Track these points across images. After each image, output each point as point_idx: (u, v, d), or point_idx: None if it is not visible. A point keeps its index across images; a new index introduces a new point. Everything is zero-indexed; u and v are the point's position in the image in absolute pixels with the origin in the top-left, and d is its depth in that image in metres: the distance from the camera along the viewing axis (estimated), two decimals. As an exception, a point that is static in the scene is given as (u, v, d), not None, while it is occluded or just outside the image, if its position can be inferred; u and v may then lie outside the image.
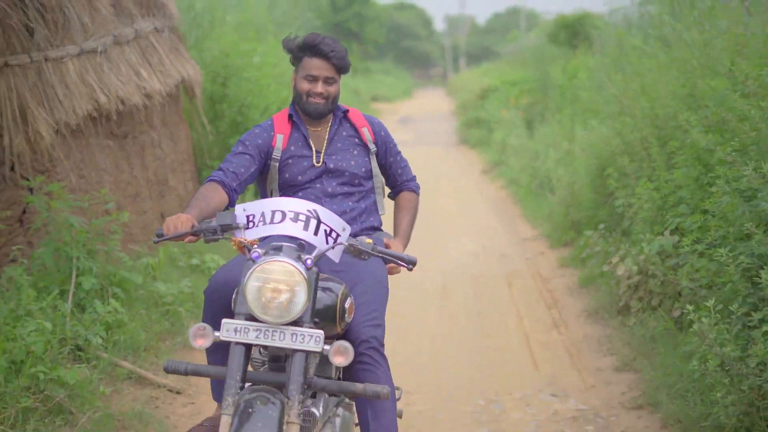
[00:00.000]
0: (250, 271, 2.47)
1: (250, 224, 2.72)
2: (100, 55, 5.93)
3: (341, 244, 2.70)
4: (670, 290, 4.87)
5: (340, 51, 3.15)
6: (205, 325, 2.48)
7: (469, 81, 25.91)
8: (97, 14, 6.03)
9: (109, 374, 4.22)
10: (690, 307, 3.57)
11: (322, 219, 2.72)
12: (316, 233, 2.70)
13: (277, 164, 3.17)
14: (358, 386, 2.54)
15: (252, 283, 2.46)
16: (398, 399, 3.21)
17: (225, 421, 2.38)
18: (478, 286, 6.77)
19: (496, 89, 17.79)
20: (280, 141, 3.18)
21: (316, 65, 3.11)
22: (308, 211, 2.73)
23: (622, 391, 4.44)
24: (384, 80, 35.59)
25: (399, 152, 3.41)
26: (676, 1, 7.39)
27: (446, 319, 5.97)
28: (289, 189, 3.19)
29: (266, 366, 2.73)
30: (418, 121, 22.62)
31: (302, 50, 3.14)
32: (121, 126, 6.26)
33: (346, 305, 2.76)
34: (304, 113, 3.19)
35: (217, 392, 3.01)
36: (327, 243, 2.71)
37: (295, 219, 2.70)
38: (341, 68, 3.17)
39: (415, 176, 3.47)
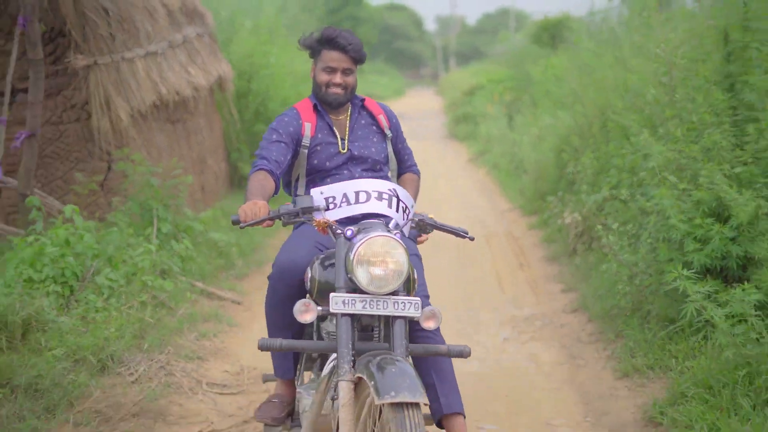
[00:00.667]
0: (354, 248, 2.66)
1: (330, 206, 3.02)
2: (160, 56, 7.53)
3: (411, 219, 3.01)
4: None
5: (357, 43, 3.36)
6: (308, 301, 2.69)
7: (458, 80, 27.56)
8: (156, 24, 7.63)
9: (188, 290, 5.82)
10: (599, 227, 5.20)
11: (401, 196, 3.06)
12: (397, 210, 3.02)
13: (306, 151, 3.35)
14: (442, 348, 2.82)
15: (359, 260, 2.64)
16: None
17: (346, 387, 2.57)
18: (463, 243, 8.39)
19: (482, 87, 19.45)
20: (308, 129, 3.35)
21: (334, 57, 3.33)
22: (389, 190, 3.06)
23: (564, 304, 6.07)
24: (377, 80, 37.19)
25: (405, 139, 3.68)
26: (645, 7, 8.99)
27: (439, 261, 7.56)
28: (316, 174, 3.37)
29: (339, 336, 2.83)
30: (411, 118, 24.22)
31: (320, 44, 3.35)
32: (174, 114, 7.86)
33: (415, 276, 2.97)
34: (325, 103, 3.40)
35: (282, 370, 3.27)
36: (403, 219, 3.01)
37: (380, 198, 3.01)
38: (358, 59, 3.39)
39: (416, 163, 3.75)
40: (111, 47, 6.85)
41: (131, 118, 6.96)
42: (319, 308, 2.67)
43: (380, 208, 3.02)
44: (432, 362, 3.07)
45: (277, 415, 3.20)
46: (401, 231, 2.89)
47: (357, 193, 3.05)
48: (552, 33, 18.57)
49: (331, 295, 2.66)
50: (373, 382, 2.46)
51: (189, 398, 4.28)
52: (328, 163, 3.35)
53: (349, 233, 2.74)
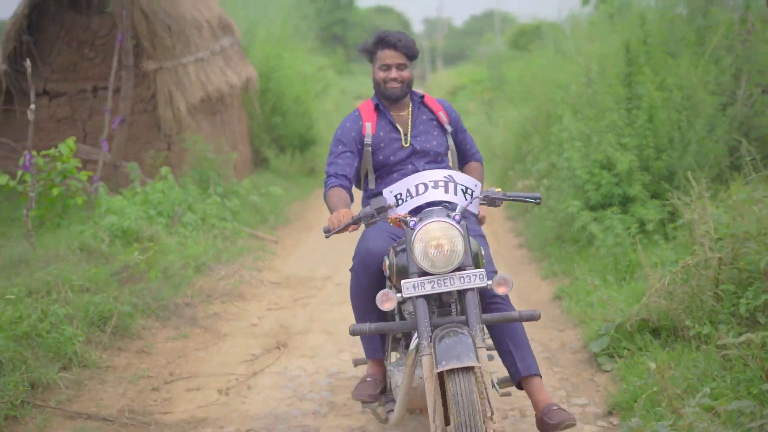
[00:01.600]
0: (413, 236, 3.02)
1: (399, 201, 3.34)
2: (205, 62, 9.79)
3: (477, 197, 3.28)
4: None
5: (407, 40, 3.70)
6: (388, 290, 3.03)
7: (444, 81, 29.90)
8: (202, 36, 9.88)
9: (240, 232, 8.08)
10: (540, 188, 7.48)
11: (457, 180, 3.34)
12: (455, 193, 3.31)
13: (370, 149, 3.70)
14: (514, 313, 3.13)
15: (418, 245, 3.00)
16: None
17: (427, 361, 2.93)
18: (442, 211, 10.71)
19: (464, 87, 21.78)
20: (369, 128, 3.70)
21: (388, 55, 3.68)
22: (445, 177, 3.34)
23: (514, 244, 8.36)
24: (366, 81, 39.50)
25: (466, 129, 3.97)
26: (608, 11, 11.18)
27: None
28: (382, 169, 3.72)
29: (435, 313, 3.21)
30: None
31: (375, 45, 3.71)
32: (215, 107, 10.11)
33: (482, 252, 3.29)
34: (384, 98, 3.72)
35: (371, 350, 3.65)
36: (466, 200, 3.28)
37: (436, 186, 3.30)
38: (410, 55, 3.71)
39: (478, 150, 4.04)
40: (172, 55, 9.12)
41: (186, 110, 9.22)
42: (398, 295, 3.05)
43: (438, 195, 3.34)
44: (506, 331, 3.43)
45: (372, 392, 3.54)
46: (462, 213, 3.18)
47: (417, 186, 3.37)
48: (528, 38, 20.95)
49: (403, 282, 3.03)
50: (434, 355, 2.89)
51: (256, 288, 6.58)
52: (392, 158, 3.70)
53: (412, 223, 3.10)
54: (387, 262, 3.34)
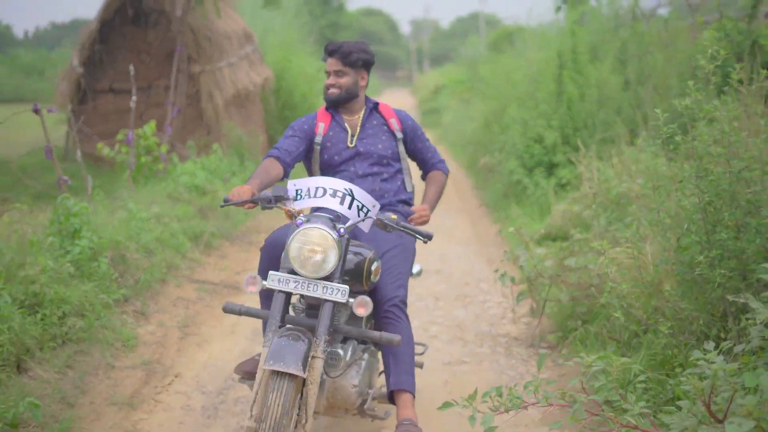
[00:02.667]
0: (294, 234, 3.22)
1: (299, 197, 3.43)
2: (234, 65, 12.53)
3: (371, 218, 3.43)
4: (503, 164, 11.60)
5: (347, 47, 3.95)
6: (255, 274, 3.25)
7: (429, 81, 32.76)
8: (232, 45, 12.62)
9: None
10: (496, 155, 10.28)
11: (356, 196, 3.43)
12: (350, 207, 3.40)
13: (319, 147, 3.95)
14: (375, 333, 3.34)
15: (294, 244, 3.20)
16: (421, 354, 4.23)
17: (264, 353, 3.10)
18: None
19: (445, 86, 24.58)
20: (321, 128, 3.97)
21: (329, 63, 3.97)
22: (344, 189, 3.43)
23: (475, 205, 11.14)
24: (356, 81, 42.29)
25: (427, 139, 4.15)
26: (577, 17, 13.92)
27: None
28: (328, 169, 3.95)
29: (304, 313, 3.52)
30: (388, 113, 29.37)
31: (324, 54, 4.02)
32: (243, 102, 12.84)
33: (373, 267, 3.47)
34: (328, 103, 4.01)
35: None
36: (358, 216, 3.41)
37: (334, 195, 3.40)
38: (348, 62, 3.95)
39: (443, 160, 4.22)
40: (211, 61, 11.86)
41: (222, 104, 11.95)
42: (264, 282, 3.22)
43: (332, 204, 3.38)
44: (391, 348, 3.59)
45: (251, 370, 3.64)
46: (349, 229, 3.32)
47: (317, 188, 3.40)
48: (505, 41, 23.76)
49: (270, 272, 3.21)
50: (267, 351, 3.05)
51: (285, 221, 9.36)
52: (336, 158, 3.91)
53: (298, 221, 3.24)
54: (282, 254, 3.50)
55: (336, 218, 3.39)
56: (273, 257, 3.61)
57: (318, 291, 3.20)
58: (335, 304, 3.23)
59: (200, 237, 7.76)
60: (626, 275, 4.60)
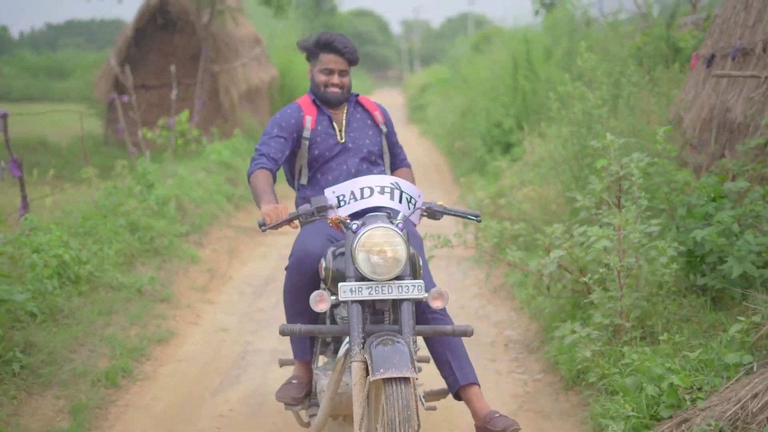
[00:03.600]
0: (357, 240, 3.09)
1: (341, 203, 3.42)
2: (246, 65, 14.96)
3: (419, 208, 3.43)
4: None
5: (351, 47, 3.83)
6: (322, 292, 3.09)
7: (417, 80, 35.26)
8: (244, 47, 15.05)
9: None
10: (478, 141, 12.75)
11: (403, 189, 3.47)
12: (400, 201, 3.41)
13: (308, 142, 3.79)
14: (448, 328, 3.22)
15: (360, 250, 3.07)
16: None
17: (357, 368, 2.99)
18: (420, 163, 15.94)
19: (431, 85, 27.07)
20: (309, 122, 3.80)
21: (331, 60, 3.80)
22: (391, 183, 3.44)
23: (450, 179, 13.60)
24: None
25: (396, 134, 4.11)
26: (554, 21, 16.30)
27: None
28: (316, 165, 3.82)
29: (368, 320, 3.23)
30: (378, 110, 31.90)
31: (318, 47, 3.83)
32: (253, 97, 15.28)
33: (420, 262, 3.39)
34: (323, 102, 3.85)
35: (300, 352, 3.74)
36: (408, 209, 3.39)
37: (383, 191, 3.41)
38: (352, 61, 3.86)
39: (406, 156, 4.19)
40: (227, 61, 14.30)
41: (237, 98, 14.39)
42: (332, 297, 3.09)
43: (383, 201, 3.41)
44: (444, 341, 3.52)
45: (296, 395, 3.60)
46: (405, 221, 3.26)
47: (362, 189, 3.42)
48: (486, 41, 26.25)
49: (340, 284, 3.09)
50: (369, 362, 2.90)
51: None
52: (327, 153, 3.80)
53: (354, 227, 3.14)
54: (323, 265, 3.40)
55: (387, 215, 3.30)
56: (305, 273, 3.52)
57: (394, 292, 3.10)
58: (409, 301, 3.10)
59: (231, 198, 10.20)
60: (533, 202, 7.07)
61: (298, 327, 3.14)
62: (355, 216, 3.45)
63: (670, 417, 3.88)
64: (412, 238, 3.57)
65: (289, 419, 4.40)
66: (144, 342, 5.45)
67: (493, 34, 26.14)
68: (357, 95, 4.03)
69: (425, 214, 3.51)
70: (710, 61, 7.66)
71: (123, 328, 5.57)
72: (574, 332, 4.69)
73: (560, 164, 6.70)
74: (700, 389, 3.95)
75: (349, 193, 3.44)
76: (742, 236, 4.77)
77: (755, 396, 3.71)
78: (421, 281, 3.12)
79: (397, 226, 3.14)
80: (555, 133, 8.38)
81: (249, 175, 3.67)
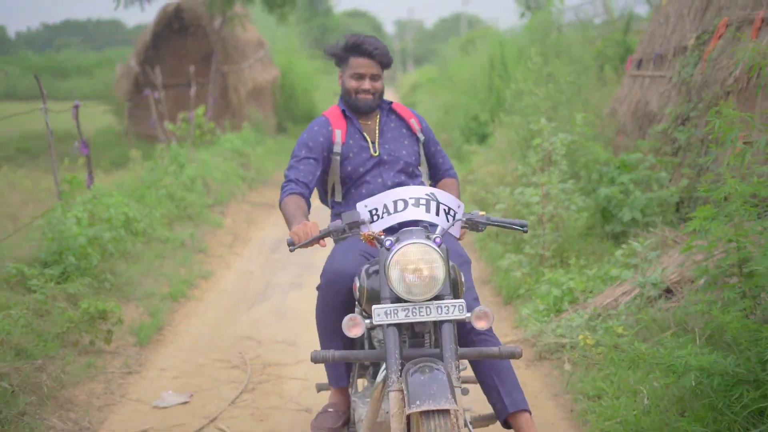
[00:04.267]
0: (389, 258, 2.84)
1: (375, 217, 3.14)
2: (252, 66, 16.79)
3: (460, 219, 3.16)
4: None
5: (383, 48, 3.57)
6: (356, 315, 2.84)
7: (409, 80, 37.13)
8: (250, 50, 16.88)
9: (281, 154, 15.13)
10: (458, 133, 14.59)
11: (440, 199, 3.16)
12: (437, 213, 3.12)
13: (339, 158, 3.59)
14: (494, 349, 2.94)
15: (394, 268, 2.82)
16: None
17: (395, 398, 2.73)
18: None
19: (421, 84, 28.92)
20: (339, 136, 3.60)
21: (362, 64, 3.57)
22: (427, 194, 3.15)
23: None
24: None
25: (438, 143, 3.84)
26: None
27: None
28: (350, 181, 3.62)
29: (407, 344, 3.02)
30: (372, 108, 33.81)
31: (347, 51, 3.59)
32: (258, 94, 17.09)
33: (462, 279, 3.14)
34: (354, 109, 3.64)
35: (335, 378, 3.54)
36: (447, 221, 3.12)
37: (417, 204, 3.12)
38: (385, 64, 3.61)
39: (453, 166, 3.89)
40: (236, 62, 16.12)
41: (244, 96, 16.21)
42: (367, 321, 2.85)
43: (418, 214, 3.11)
44: (490, 364, 3.28)
45: (333, 425, 3.41)
46: (445, 235, 3.03)
47: (395, 202, 3.13)
48: (472, 43, 28.09)
49: (374, 307, 2.84)
50: (406, 392, 2.67)
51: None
52: (361, 168, 3.59)
53: (388, 243, 2.91)
54: (357, 284, 3.21)
55: (425, 229, 3.09)
56: (338, 293, 3.33)
57: (433, 313, 2.86)
58: (450, 323, 2.87)
59: (245, 179, 12.03)
60: (494, 176, 8.91)
61: (331, 353, 2.93)
62: (390, 231, 3.25)
63: (567, 310, 5.73)
64: (452, 253, 3.35)
65: (305, 319, 6.20)
66: (191, 277, 7.27)
67: (481, 36, 27.98)
68: (390, 103, 3.78)
69: (466, 226, 3.22)
70: (639, 63, 9.52)
71: (174, 268, 7.39)
72: (510, 259, 6.55)
73: (513, 146, 8.53)
74: (591, 292, 5.79)
75: (382, 207, 3.16)
76: (633, 194, 6.63)
77: (624, 293, 5.56)
78: (462, 301, 2.88)
79: (434, 240, 2.92)
80: (510, 122, 10.21)
81: (280, 204, 3.46)
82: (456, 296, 3.04)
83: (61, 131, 17.31)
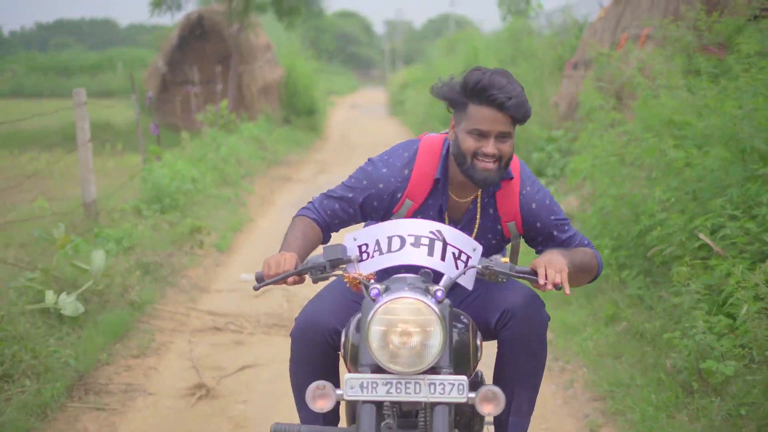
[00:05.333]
0: (372, 312, 2.27)
1: (364, 255, 2.54)
2: (262, 66, 19.78)
3: (474, 267, 2.49)
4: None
5: (518, 95, 2.63)
6: (324, 383, 2.31)
7: (397, 80, 40.17)
8: (260, 52, 19.86)
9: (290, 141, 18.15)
10: (438, 122, 17.60)
11: (449, 240, 2.51)
12: (443, 258, 2.49)
13: (391, 218, 2.83)
14: None
15: (375, 328, 2.26)
16: None
17: None
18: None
19: (410, 83, 31.98)
20: (405, 208, 2.80)
21: (486, 117, 2.63)
22: (431, 232, 2.51)
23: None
24: (336, 79, 49.69)
25: (561, 224, 2.86)
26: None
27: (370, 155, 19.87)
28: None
29: (388, 422, 2.49)
30: (363, 106, 36.82)
31: (466, 95, 2.70)
32: (267, 91, 20.07)
33: (478, 341, 2.58)
34: (468, 178, 2.71)
35: None
36: (457, 268, 2.49)
37: (417, 244, 2.50)
38: (520, 119, 2.66)
39: (590, 241, 2.90)
40: (248, 63, 19.12)
41: (256, 92, 19.19)
42: (338, 392, 2.30)
43: (417, 257, 2.50)
44: None
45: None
46: (451, 288, 2.50)
47: (390, 239, 2.53)
48: (453, 45, 31.15)
49: (347, 377, 2.30)
50: None
51: (307, 156, 16.66)
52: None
53: (374, 292, 2.35)
54: (343, 339, 2.62)
55: (426, 277, 2.46)
56: (316, 346, 2.69)
57: (423, 391, 2.27)
58: (450, 405, 2.28)
59: (264, 159, 15.02)
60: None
61: (297, 428, 2.41)
62: (384, 274, 2.63)
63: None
64: (456, 315, 2.59)
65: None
66: (240, 220, 10.26)
67: (464, 38, 30.96)
68: (500, 187, 2.83)
69: (483, 275, 2.52)
70: (576, 65, 12.56)
71: (226, 215, 10.36)
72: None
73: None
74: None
75: (374, 243, 2.57)
76: (554, 157, 9.65)
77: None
78: (463, 378, 2.29)
79: (434, 295, 2.34)
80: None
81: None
82: (463, 367, 2.48)
83: (94, 122, 20.31)
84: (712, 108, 5.42)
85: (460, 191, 2.86)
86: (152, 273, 7.07)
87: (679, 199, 5.30)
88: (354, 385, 2.31)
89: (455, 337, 2.50)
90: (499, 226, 2.90)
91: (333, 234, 3.01)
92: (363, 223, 3.05)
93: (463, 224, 2.89)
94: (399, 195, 2.84)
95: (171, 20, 19.92)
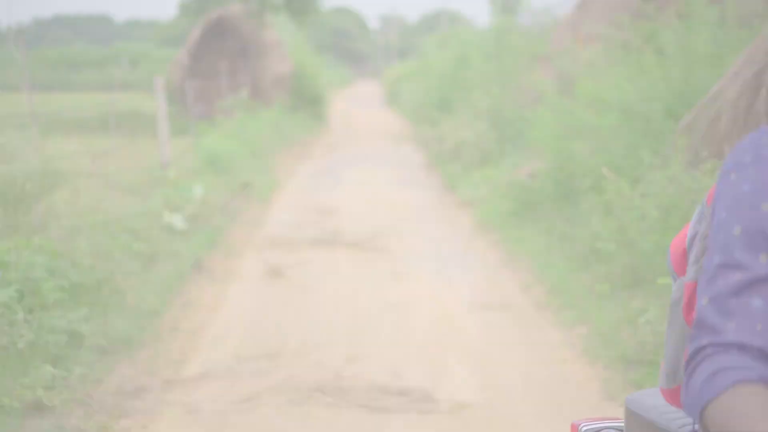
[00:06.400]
0: None
1: None
2: (274, 61, 22.49)
3: None
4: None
5: None
6: None
7: (392, 73, 42.94)
8: (272, 47, 22.59)
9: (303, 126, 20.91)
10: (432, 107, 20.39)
11: None
12: None
13: None
14: None
15: None
16: None
17: None
18: (382, 135, 23.48)
19: (404, 76, 34.73)
20: None
21: None
22: None
23: (413, 148, 21.26)
24: (332, 73, 52.42)
25: None
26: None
27: (372, 138, 22.56)
28: None
29: None
30: (360, 98, 39.66)
31: None
32: (279, 82, 22.80)
33: None
34: None
35: None
36: None
37: None
38: None
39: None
40: (263, 57, 21.86)
41: (270, 84, 21.92)
42: None
43: None
44: None
45: None
46: None
47: None
48: (445, 40, 33.90)
49: None
50: None
51: (320, 139, 19.41)
52: None
53: None
54: None
55: None
56: None
57: None
58: None
59: (282, 140, 17.77)
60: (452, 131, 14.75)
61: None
62: None
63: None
64: None
65: (338, 198, 11.99)
66: (273, 181, 13.02)
67: (455, 34, 33.68)
68: None
69: None
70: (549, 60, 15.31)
71: (262, 177, 13.09)
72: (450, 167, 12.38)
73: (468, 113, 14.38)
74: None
75: None
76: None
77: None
78: None
79: None
80: (467, 98, 16.06)
81: (700, 403, 1.16)
82: None
83: (126, 111, 23.06)
84: (623, 86, 8.15)
85: None
86: (222, 210, 9.82)
87: (593, 149, 8.05)
88: None
89: None
90: None
91: None
92: None
93: None
94: None
95: (186, 19, 22.50)
